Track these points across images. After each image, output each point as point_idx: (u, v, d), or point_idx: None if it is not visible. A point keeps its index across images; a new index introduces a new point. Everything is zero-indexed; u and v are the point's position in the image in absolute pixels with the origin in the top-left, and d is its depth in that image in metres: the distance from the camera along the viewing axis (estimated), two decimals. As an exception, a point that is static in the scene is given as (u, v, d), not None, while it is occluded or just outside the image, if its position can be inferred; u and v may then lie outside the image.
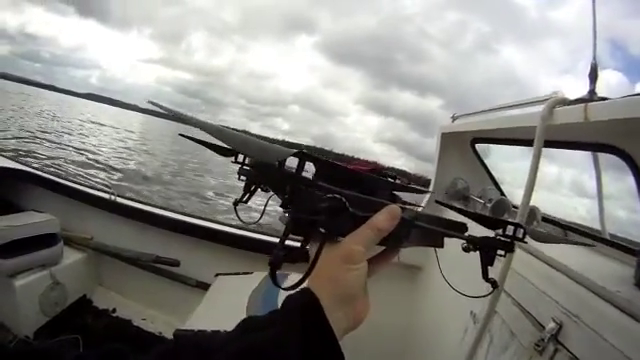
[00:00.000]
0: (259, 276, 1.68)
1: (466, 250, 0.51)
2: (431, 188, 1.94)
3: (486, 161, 1.83)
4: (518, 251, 1.07)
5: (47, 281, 2.01)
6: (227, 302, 1.53)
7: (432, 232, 0.50)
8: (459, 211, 0.62)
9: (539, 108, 0.98)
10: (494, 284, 0.53)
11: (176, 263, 2.16)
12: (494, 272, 1.01)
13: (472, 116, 1.56)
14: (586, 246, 1.08)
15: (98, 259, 2.35)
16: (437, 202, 0.87)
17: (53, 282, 2.03)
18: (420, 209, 0.53)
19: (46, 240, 2.03)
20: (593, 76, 0.94)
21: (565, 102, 0.91)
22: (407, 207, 0.47)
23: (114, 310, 2.26)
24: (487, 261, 0.51)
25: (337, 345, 0.37)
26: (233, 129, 0.45)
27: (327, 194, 0.39)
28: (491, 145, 1.75)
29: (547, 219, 1.23)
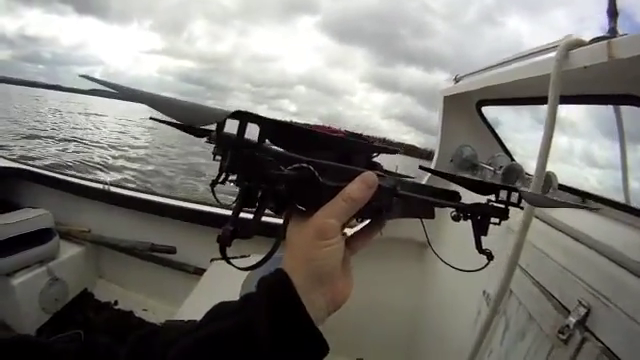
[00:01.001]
0: (256, 259, 1.57)
1: (455, 219, 0.47)
2: (435, 156, 1.81)
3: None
4: (537, 223, 0.95)
5: (45, 277, 1.98)
6: (222, 287, 1.46)
7: (419, 202, 0.45)
8: (444, 176, 0.58)
9: (552, 55, 0.84)
10: (489, 256, 0.48)
11: (172, 250, 2.13)
12: (504, 243, 0.89)
13: (477, 75, 1.41)
14: (608, 216, 0.94)
15: (97, 252, 2.32)
16: (421, 168, 0.76)
17: (52, 278, 2.00)
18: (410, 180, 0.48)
19: (41, 236, 1.99)
20: (612, 11, 0.78)
21: (582, 43, 0.77)
22: (386, 175, 0.44)
23: (116, 302, 2.24)
24: (479, 230, 0.47)
25: (312, 326, 0.35)
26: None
27: (284, 161, 0.35)
28: (501, 117, 1.61)
29: (564, 187, 1.10)
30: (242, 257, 1.68)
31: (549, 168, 1.04)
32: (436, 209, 0.49)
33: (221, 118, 0.33)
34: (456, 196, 0.49)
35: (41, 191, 2.35)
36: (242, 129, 0.35)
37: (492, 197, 0.48)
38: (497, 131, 1.69)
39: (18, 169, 2.39)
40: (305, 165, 0.36)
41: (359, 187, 0.38)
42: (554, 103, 0.79)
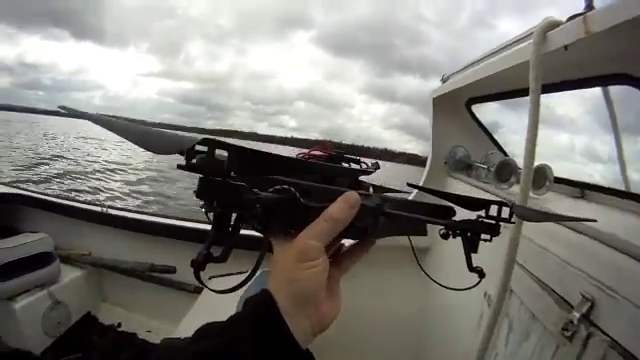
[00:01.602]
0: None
1: (444, 237, 0.46)
2: (429, 160, 1.78)
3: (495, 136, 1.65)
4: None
5: (47, 301, 1.96)
6: (219, 305, 1.43)
7: (408, 219, 0.44)
8: (432, 192, 0.57)
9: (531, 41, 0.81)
10: (480, 274, 0.48)
11: (172, 270, 2.12)
12: (502, 242, 0.86)
13: (462, 72, 1.39)
14: (607, 205, 0.90)
15: (99, 274, 2.31)
16: (409, 185, 0.74)
17: (53, 301, 1.98)
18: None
19: (42, 260, 1.98)
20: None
21: (559, 23, 0.74)
22: (372, 194, 0.44)
23: (119, 325, 2.22)
24: (470, 248, 0.46)
25: (296, 345, 0.36)
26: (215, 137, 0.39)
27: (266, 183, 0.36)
28: (501, 120, 1.59)
29: (561, 179, 1.06)
30: (239, 273, 1.66)
31: (553, 167, 1.01)
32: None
33: (189, 145, 0.33)
34: (449, 211, 0.48)
35: (40, 215, 2.35)
36: (210, 155, 0.35)
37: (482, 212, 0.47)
38: (497, 134, 1.67)
39: (16, 194, 2.40)
40: (286, 187, 0.36)
41: (341, 207, 0.38)
42: (536, 89, 0.76)
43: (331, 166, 0.48)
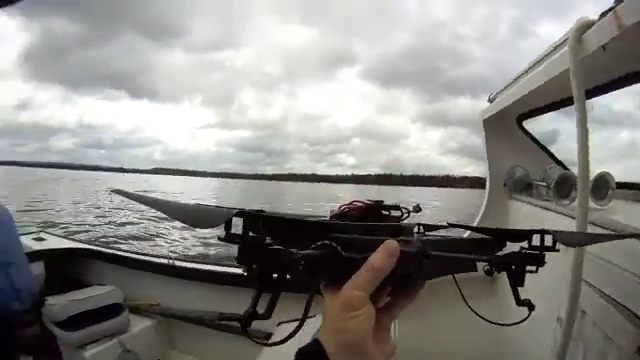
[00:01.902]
0: (318, 320, 1.52)
1: (488, 273, 0.46)
2: (487, 185, 1.69)
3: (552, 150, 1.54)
4: (595, 229, 0.83)
5: (117, 349, 2.02)
6: (287, 352, 1.40)
7: (451, 259, 0.45)
8: (471, 229, 0.57)
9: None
10: (529, 306, 0.47)
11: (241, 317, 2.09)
12: (565, 260, 0.77)
13: (508, 89, 1.32)
14: None
15: (168, 323, 2.36)
16: (450, 225, 0.70)
17: (123, 350, 2.04)
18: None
19: (111, 310, 2.08)
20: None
21: (592, 23, 0.69)
22: (412, 238, 0.45)
23: (189, 372, 2.23)
24: (516, 281, 0.45)
25: None
26: (218, 207, 0.43)
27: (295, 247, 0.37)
28: (559, 127, 1.48)
29: (624, 184, 0.95)
30: (309, 318, 1.64)
31: (611, 167, 0.92)
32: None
33: (226, 219, 0.36)
34: (498, 243, 0.47)
35: (109, 269, 2.48)
36: (246, 227, 0.38)
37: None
38: (557, 142, 1.57)
39: (84, 249, 2.57)
40: (327, 242, 0.38)
41: (381, 257, 0.39)
42: (580, 96, 0.71)
43: (363, 225, 0.48)
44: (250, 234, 0.38)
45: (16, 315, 1.82)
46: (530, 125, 1.54)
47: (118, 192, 0.48)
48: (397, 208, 0.60)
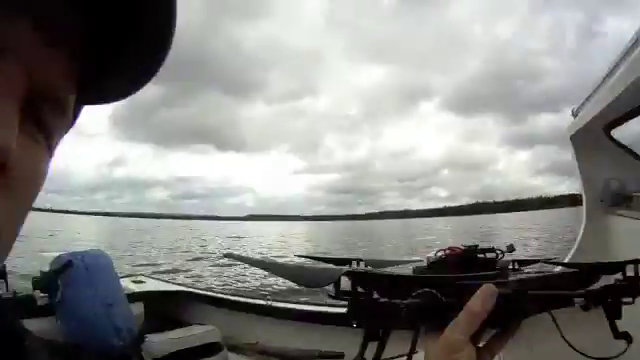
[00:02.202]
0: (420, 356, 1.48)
1: (585, 308, 0.45)
2: (584, 203, 1.60)
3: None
4: None
5: (216, 386, 2.08)
6: None
7: (549, 295, 0.46)
8: (561, 264, 0.58)
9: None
10: (628, 338, 0.45)
11: (340, 356, 2.07)
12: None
13: (590, 101, 1.29)
14: None
15: None
16: (543, 261, 0.71)
17: (222, 387, 2.11)
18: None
19: (210, 349, 2.16)
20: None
21: None
22: (509, 280, 0.46)
23: (288, 409, 2.20)
24: (613, 315, 0.44)
25: None
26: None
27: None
28: None
29: None
30: (412, 353, 1.61)
31: None
32: None
33: (336, 278, 0.42)
34: (594, 275, 0.48)
35: (207, 310, 2.60)
36: (354, 283, 0.43)
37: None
38: None
39: (186, 292, 2.73)
40: (428, 290, 0.41)
41: (479, 301, 0.41)
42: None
43: (459, 277, 0.50)
44: (358, 289, 0.42)
45: (116, 351, 1.98)
46: (616, 134, 1.47)
47: (230, 256, 0.55)
48: (492, 250, 0.62)
